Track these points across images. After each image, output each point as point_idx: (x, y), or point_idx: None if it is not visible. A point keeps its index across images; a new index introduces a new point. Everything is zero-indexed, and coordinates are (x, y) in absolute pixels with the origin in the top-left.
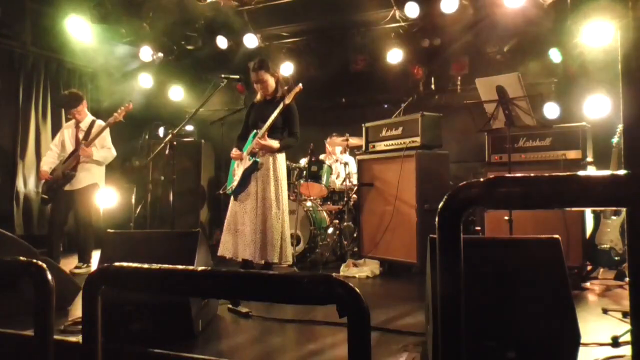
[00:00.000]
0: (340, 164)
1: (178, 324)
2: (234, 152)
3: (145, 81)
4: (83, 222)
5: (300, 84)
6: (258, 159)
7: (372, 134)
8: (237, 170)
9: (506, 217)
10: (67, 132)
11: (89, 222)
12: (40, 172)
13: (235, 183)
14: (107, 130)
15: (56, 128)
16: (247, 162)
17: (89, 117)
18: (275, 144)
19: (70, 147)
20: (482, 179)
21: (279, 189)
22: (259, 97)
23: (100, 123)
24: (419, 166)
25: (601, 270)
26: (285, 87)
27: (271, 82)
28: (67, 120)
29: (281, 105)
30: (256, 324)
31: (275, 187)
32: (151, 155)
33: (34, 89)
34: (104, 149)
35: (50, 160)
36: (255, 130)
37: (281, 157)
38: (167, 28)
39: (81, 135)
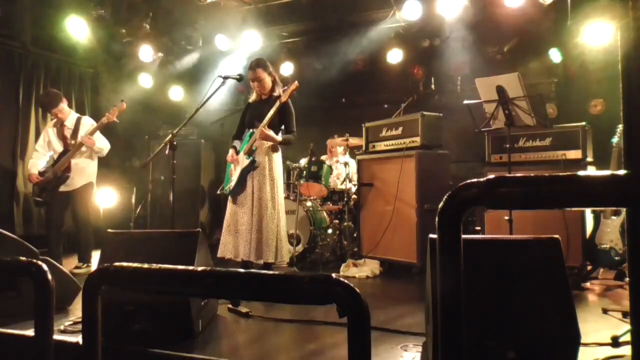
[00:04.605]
0: (341, 164)
1: (178, 324)
2: (230, 155)
3: (145, 81)
4: (82, 222)
5: (297, 82)
6: (256, 158)
7: (372, 134)
8: (235, 170)
9: (506, 217)
10: (53, 132)
11: (88, 221)
12: (29, 176)
13: (232, 183)
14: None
15: None
16: (244, 162)
17: (73, 115)
18: (277, 136)
19: (58, 148)
20: (482, 179)
21: (275, 188)
22: (254, 96)
23: (87, 120)
24: (419, 166)
25: (601, 270)
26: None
27: (267, 80)
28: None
29: (277, 103)
30: (256, 324)
31: (271, 187)
32: (151, 155)
33: (34, 89)
34: (101, 139)
35: (37, 162)
36: (251, 130)
37: (277, 157)
38: (167, 28)
39: (68, 134)
